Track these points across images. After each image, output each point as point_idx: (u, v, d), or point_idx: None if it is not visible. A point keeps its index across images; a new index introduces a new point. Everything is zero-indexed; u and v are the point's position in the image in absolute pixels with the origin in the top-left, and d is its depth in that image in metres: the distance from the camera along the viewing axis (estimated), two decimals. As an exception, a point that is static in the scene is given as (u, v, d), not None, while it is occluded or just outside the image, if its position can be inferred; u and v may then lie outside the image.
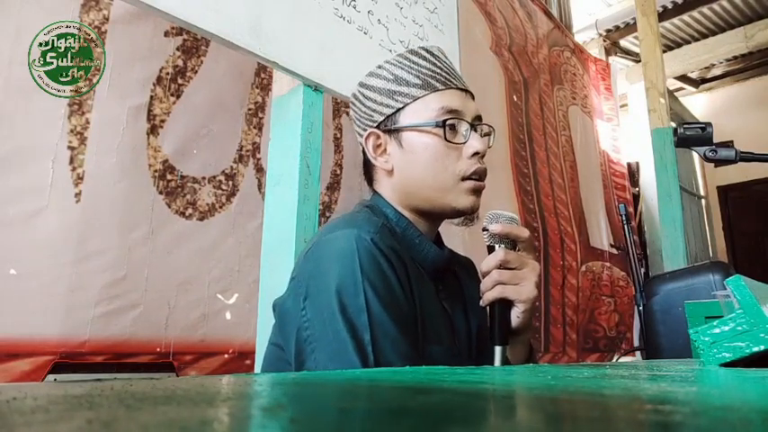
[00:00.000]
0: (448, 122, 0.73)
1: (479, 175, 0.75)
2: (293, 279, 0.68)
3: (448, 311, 0.76)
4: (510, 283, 0.68)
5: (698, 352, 0.50)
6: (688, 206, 3.91)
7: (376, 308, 0.60)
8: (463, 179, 0.74)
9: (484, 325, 0.81)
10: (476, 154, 0.74)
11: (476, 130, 0.75)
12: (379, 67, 0.79)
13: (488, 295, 0.69)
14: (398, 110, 0.75)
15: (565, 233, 2.86)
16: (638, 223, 3.79)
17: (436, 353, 0.68)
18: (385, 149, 0.77)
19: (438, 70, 0.76)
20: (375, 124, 0.77)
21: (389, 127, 0.76)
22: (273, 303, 0.73)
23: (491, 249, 0.71)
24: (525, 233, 0.70)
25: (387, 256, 0.63)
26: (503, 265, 0.68)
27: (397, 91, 0.76)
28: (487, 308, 0.71)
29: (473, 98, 0.79)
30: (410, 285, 0.66)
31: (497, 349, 0.68)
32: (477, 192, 0.75)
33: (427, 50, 0.78)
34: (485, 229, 0.71)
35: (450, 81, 0.76)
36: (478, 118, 0.77)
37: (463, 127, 0.74)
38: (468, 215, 0.77)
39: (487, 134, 0.80)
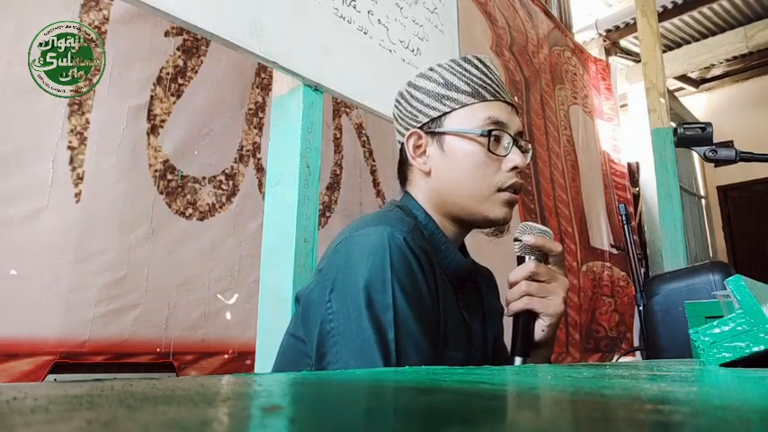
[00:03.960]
0: (493, 133, 0.73)
1: (515, 189, 0.75)
2: (320, 271, 0.67)
3: (466, 319, 0.76)
4: (537, 295, 0.68)
5: (698, 352, 0.50)
6: (688, 206, 3.91)
7: (402, 307, 0.59)
8: (499, 190, 0.74)
9: (501, 337, 0.82)
10: (515, 168, 0.74)
11: (517, 145, 0.76)
12: (431, 69, 0.79)
13: (514, 305, 0.69)
14: (445, 114, 0.76)
15: (565, 233, 2.86)
16: (638, 223, 3.78)
17: (454, 358, 0.68)
18: (425, 151, 0.78)
19: (488, 81, 0.77)
20: (419, 125, 0.78)
21: (433, 129, 0.77)
22: (297, 294, 0.73)
23: (521, 260, 0.71)
24: (558, 247, 0.71)
25: (417, 256, 0.63)
26: (532, 277, 0.69)
27: (445, 95, 0.76)
28: (511, 318, 0.71)
29: (518, 113, 0.80)
30: (436, 288, 0.66)
31: (517, 360, 0.68)
32: (511, 204, 0.76)
33: (480, 60, 0.79)
34: (516, 240, 0.71)
35: (499, 93, 0.77)
36: (520, 134, 0.78)
37: (506, 140, 0.75)
38: (500, 226, 0.77)
39: (527, 151, 0.80)
